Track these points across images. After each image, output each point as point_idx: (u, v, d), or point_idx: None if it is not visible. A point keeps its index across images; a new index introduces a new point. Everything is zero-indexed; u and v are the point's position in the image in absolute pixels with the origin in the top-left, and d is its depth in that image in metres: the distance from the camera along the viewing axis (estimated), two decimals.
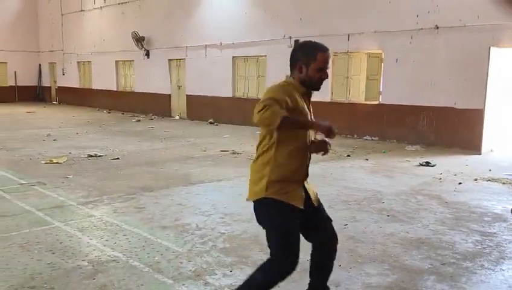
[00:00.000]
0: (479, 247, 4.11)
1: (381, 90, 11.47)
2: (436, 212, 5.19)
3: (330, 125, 2.47)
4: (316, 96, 10.06)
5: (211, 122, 15.27)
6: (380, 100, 11.50)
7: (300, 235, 2.65)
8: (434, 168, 7.81)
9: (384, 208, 5.31)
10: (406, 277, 3.46)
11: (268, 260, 2.63)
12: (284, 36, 13.39)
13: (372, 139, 11.38)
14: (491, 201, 5.74)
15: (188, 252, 3.92)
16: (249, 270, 3.52)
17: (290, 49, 11.67)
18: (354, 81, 12.04)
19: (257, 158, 2.65)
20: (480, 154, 9.25)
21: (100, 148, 9.44)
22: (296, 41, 13.04)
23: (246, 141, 11.01)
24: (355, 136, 11.93)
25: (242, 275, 3.46)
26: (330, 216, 2.83)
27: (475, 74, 9.41)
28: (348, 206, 5.41)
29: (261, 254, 3.88)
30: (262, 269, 2.66)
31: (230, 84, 15.28)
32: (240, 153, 9.21)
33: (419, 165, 8.06)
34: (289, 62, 2.66)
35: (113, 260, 3.72)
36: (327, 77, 2.62)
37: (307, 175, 2.70)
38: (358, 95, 11.99)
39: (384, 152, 9.60)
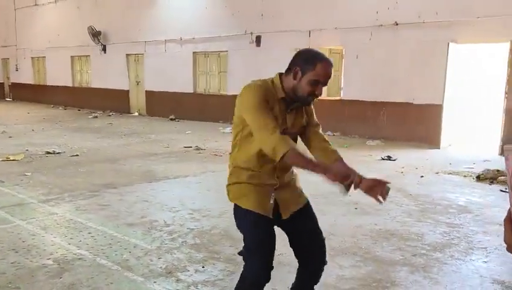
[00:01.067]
0: (447, 238, 4.20)
1: (342, 86, 11.62)
2: (402, 205, 5.27)
3: (349, 173, 2.11)
4: None
5: (171, 119, 15.00)
6: (341, 96, 11.66)
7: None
8: (395, 162, 7.97)
9: (351, 201, 5.33)
10: (378, 269, 3.47)
11: (242, 271, 2.40)
12: (246, 32, 13.32)
13: (333, 135, 11.50)
14: (454, 193, 5.90)
15: (158, 249, 3.79)
16: (222, 266, 3.46)
17: (252, 45, 11.80)
18: None
19: (230, 156, 2.46)
20: (439, 148, 9.52)
21: (58, 145, 9.06)
22: (258, 37, 13.06)
23: (209, 137, 10.88)
24: None
25: (214, 270, 3.38)
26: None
27: (434, 69, 9.67)
28: (315, 200, 5.31)
29: (232, 249, 3.81)
30: (239, 281, 2.41)
31: (191, 80, 15.07)
32: (204, 149, 9.07)
33: (381, 160, 8.20)
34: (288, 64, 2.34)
35: (80, 259, 3.54)
36: (319, 95, 2.26)
37: (280, 181, 2.35)
38: None
39: (346, 147, 9.71)
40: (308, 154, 2.28)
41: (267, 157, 2.22)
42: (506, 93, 9.08)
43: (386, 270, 3.46)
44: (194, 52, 14.83)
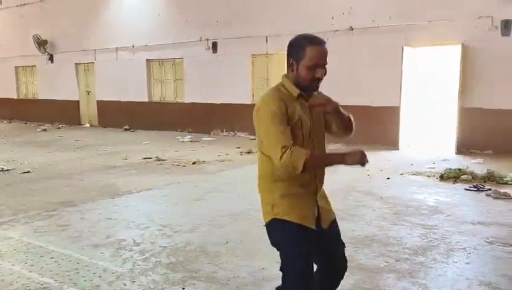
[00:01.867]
0: (425, 240, 4.17)
1: None
2: (374, 209, 5.24)
3: (361, 151, 2.16)
4: (237, 99, 9.97)
5: (126, 129, 14.51)
6: None
7: None
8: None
9: None
10: (366, 277, 3.37)
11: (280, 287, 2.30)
12: (201, 38, 13.11)
13: None
14: (422, 194, 5.94)
15: (130, 272, 3.51)
16: (203, 286, 3.24)
17: (208, 51, 11.54)
18: (274, 82, 12.04)
19: (259, 174, 2.35)
20: (398, 150, 9.68)
21: (6, 162, 8.45)
22: (214, 43, 12.87)
23: (168, 147, 10.56)
24: None
25: None
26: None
27: (390, 72, 9.83)
28: None
29: (211, 266, 3.61)
30: None
31: (146, 89, 14.65)
32: (165, 160, 8.75)
33: None
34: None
35: (44, 288, 3.21)
36: (323, 75, 2.19)
37: (318, 188, 2.31)
38: None
39: None
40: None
41: None
42: (459, 93, 9.37)
43: (374, 278, 3.36)
44: (147, 60, 14.44)
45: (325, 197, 2.40)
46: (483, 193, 5.95)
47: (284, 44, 9.70)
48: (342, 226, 4.48)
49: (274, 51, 11.87)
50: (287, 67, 2.26)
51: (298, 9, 11.29)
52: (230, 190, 6.27)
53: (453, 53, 9.62)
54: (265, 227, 2.33)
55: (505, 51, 8.88)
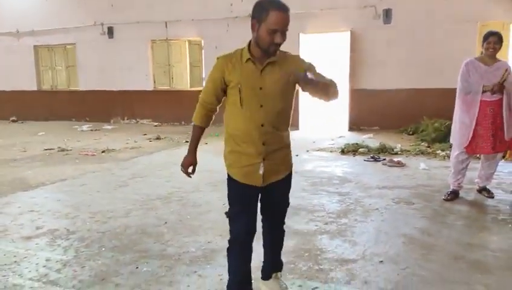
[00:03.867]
0: (344, 205, 4.70)
1: (204, 76, 11.78)
2: (294, 182, 5.67)
3: (189, 162, 2.63)
4: (137, 85, 10.09)
5: (13, 120, 13.44)
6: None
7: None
8: None
9: None
10: (303, 240, 3.75)
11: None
12: (95, 23, 12.59)
13: None
14: (329, 167, 6.56)
15: (76, 258, 3.48)
16: (157, 263, 3.37)
17: (104, 37, 11.38)
18: (177, 69, 12.07)
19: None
20: (298, 130, 10.37)
21: None
22: (110, 28, 12.41)
23: (68, 137, 10.09)
24: (183, 122, 12.04)
25: (152, 268, 3.27)
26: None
27: None
28: (216, 188, 5.50)
29: (157, 244, 3.72)
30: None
31: (34, 77, 13.66)
32: (70, 150, 8.39)
33: None
34: None
35: None
36: (282, 41, 2.26)
37: (263, 149, 2.43)
38: (182, 82, 12.07)
39: (217, 135, 9.93)
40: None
41: (251, 124, 2.40)
42: (349, 76, 10.30)
43: (310, 240, 3.75)
44: (35, 46, 13.45)
45: (277, 158, 2.53)
46: (380, 163, 6.75)
47: (184, 30, 10.15)
48: None
49: (175, 36, 11.86)
50: (252, 28, 2.31)
51: None
52: (151, 175, 6.31)
53: (343, 39, 10.50)
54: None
55: (386, 37, 9.95)
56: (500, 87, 4.40)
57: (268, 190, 2.55)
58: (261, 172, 2.46)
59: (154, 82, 12.32)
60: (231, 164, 2.50)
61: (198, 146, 2.66)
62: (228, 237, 2.59)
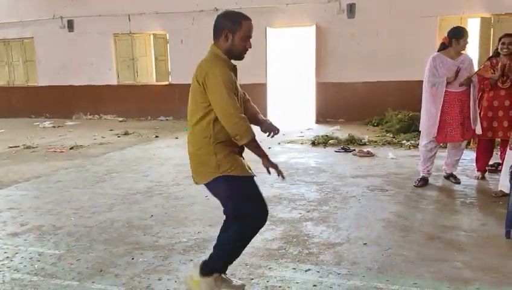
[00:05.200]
0: (323, 194, 4.90)
1: (170, 70, 11.73)
2: (271, 173, 5.83)
3: (276, 166, 2.67)
4: (100, 80, 10.19)
5: None
6: (170, 80, 11.77)
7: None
8: None
9: None
10: (290, 227, 3.91)
11: (241, 224, 2.63)
12: (54, 16, 12.26)
13: (167, 119, 11.60)
14: (303, 158, 6.77)
15: (69, 252, 3.49)
16: (152, 253, 3.44)
17: (63, 30, 11.29)
18: (141, 63, 11.95)
19: (197, 142, 2.61)
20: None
21: None
22: (70, 21, 12.10)
23: (31, 134, 9.83)
24: (149, 117, 11.96)
25: (148, 259, 3.34)
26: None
27: (257, 52, 10.47)
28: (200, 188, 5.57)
29: (148, 236, 3.78)
30: (239, 230, 2.64)
31: None
32: (36, 147, 8.21)
33: None
34: (213, 31, 2.58)
35: None
36: (250, 47, 2.60)
37: (243, 149, 2.68)
38: (147, 76, 11.97)
39: (186, 130, 9.95)
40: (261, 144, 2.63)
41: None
42: (315, 69, 10.56)
43: (296, 227, 3.92)
44: None
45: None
46: (350, 153, 7.03)
47: (148, 23, 10.20)
48: None
49: (139, 30, 11.72)
50: (218, 38, 2.55)
51: None
52: (126, 170, 6.30)
53: (309, 33, 10.73)
54: (206, 186, 2.69)
55: (350, 32, 10.26)
56: (468, 81, 4.72)
57: None
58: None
59: (118, 76, 12.14)
60: (233, 164, 2.59)
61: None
62: (216, 227, 2.78)
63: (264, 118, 2.83)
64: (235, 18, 2.53)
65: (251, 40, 2.59)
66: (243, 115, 2.49)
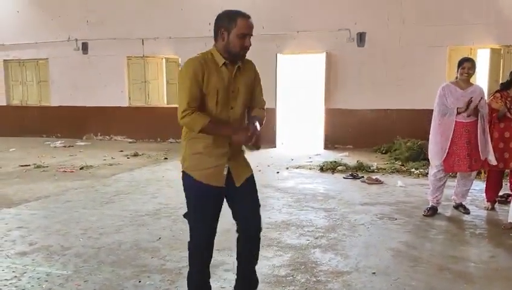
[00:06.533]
0: (331, 221, 4.88)
1: None
2: (278, 198, 5.85)
3: (247, 132, 2.49)
4: (112, 102, 10.32)
5: None
6: None
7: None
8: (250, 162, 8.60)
9: None
10: (298, 254, 3.90)
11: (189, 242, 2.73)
12: (69, 38, 12.50)
13: (176, 142, 11.68)
14: (311, 184, 6.77)
15: (76, 273, 3.50)
16: (158, 277, 3.45)
17: (78, 52, 11.57)
18: (153, 85, 12.12)
19: (183, 131, 2.67)
20: (275, 147, 10.59)
21: None
22: (84, 44, 12.35)
23: (42, 153, 9.93)
24: (159, 139, 12.06)
25: (155, 282, 3.34)
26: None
27: (267, 77, 10.61)
28: None
29: (155, 259, 3.78)
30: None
31: (4, 92, 13.39)
32: (47, 167, 8.29)
33: None
34: (213, 32, 2.61)
35: None
36: (249, 46, 2.54)
37: (230, 150, 2.61)
38: (158, 99, 12.12)
39: None
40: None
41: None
42: (324, 96, 10.63)
43: (304, 254, 3.91)
44: (5, 60, 13.21)
45: (240, 157, 2.74)
46: (358, 180, 7.01)
47: (161, 47, 10.44)
48: (262, 214, 5.00)
49: (151, 53, 11.93)
50: (215, 38, 2.57)
51: (174, 13, 11.54)
52: (135, 191, 6.33)
53: (319, 60, 10.84)
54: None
55: (360, 59, 10.37)
56: (474, 111, 4.73)
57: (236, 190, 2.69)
58: (225, 173, 2.63)
59: (130, 98, 12.30)
60: (195, 165, 2.60)
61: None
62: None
63: (252, 119, 2.65)
64: (230, 16, 2.52)
65: (251, 39, 2.54)
66: (190, 109, 2.45)
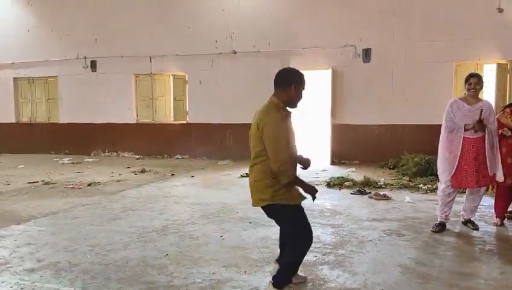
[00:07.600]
0: (338, 237, 4.86)
1: (187, 110, 11.95)
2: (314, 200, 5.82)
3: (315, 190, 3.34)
4: (120, 118, 10.43)
5: None
6: (188, 120, 11.98)
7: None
8: None
9: (242, 217, 5.69)
10: (305, 270, 3.87)
11: (294, 242, 3.35)
12: (78, 56, 12.67)
13: (183, 158, 11.73)
14: (318, 200, 6.57)
15: None
16: None
17: (86, 70, 11.72)
18: (160, 102, 12.21)
19: (258, 176, 3.22)
20: None
21: None
22: (93, 62, 12.51)
23: (50, 170, 9.99)
24: (166, 155, 12.10)
25: None
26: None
27: (269, 93, 10.73)
28: (210, 220, 5.60)
29: (163, 276, 3.77)
30: (293, 249, 3.34)
31: (13, 109, 13.56)
32: (55, 183, 8.34)
33: (241, 177, 8.75)
34: (278, 82, 3.19)
35: None
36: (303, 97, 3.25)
37: None
38: (165, 115, 12.20)
39: (202, 168, 10.05)
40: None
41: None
42: (331, 111, 10.66)
43: (311, 270, 3.88)
44: (15, 78, 13.40)
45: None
46: (366, 196, 6.98)
47: (169, 65, 10.54)
48: (263, 232, 5.06)
49: (159, 70, 12.06)
50: (280, 89, 3.20)
51: (182, 31, 11.68)
52: (142, 208, 6.34)
53: (325, 76, 10.90)
54: (263, 209, 3.37)
55: (365, 75, 10.41)
56: (481, 126, 4.69)
57: None
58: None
59: (137, 115, 12.40)
60: (284, 195, 3.23)
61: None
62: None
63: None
64: (298, 75, 3.21)
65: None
66: (289, 161, 3.08)
